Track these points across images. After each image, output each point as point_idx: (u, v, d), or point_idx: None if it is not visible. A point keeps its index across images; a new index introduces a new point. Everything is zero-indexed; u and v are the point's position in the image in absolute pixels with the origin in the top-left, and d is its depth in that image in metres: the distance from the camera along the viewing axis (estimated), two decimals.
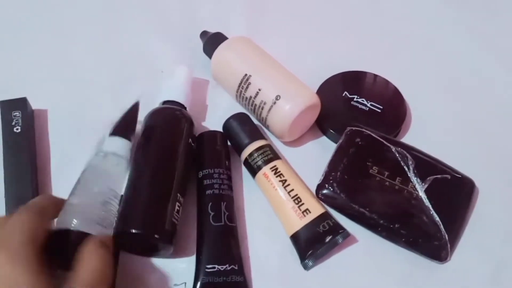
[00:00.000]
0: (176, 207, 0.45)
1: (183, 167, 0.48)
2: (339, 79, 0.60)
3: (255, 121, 0.55)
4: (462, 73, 0.63)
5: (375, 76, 0.60)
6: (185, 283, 0.46)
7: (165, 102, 0.53)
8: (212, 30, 0.61)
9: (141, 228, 0.43)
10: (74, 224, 0.40)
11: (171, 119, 0.51)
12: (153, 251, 0.46)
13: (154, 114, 0.51)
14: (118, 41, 0.63)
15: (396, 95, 0.59)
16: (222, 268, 0.45)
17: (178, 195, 0.46)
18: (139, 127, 0.49)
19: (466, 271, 0.47)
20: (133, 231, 0.42)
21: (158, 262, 0.47)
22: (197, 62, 0.61)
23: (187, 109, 0.54)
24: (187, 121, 0.51)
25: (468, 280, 0.47)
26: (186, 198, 0.48)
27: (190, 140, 0.50)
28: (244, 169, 0.53)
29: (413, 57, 0.65)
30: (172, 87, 0.55)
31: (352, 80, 0.60)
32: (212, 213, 0.46)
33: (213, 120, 0.57)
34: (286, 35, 0.66)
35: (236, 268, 0.45)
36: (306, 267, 0.47)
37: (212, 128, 0.55)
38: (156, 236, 0.43)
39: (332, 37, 0.66)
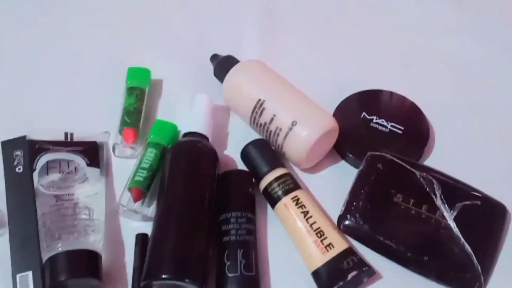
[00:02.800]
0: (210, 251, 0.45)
1: (212, 205, 0.47)
2: (356, 99, 0.57)
3: None
4: (486, 86, 0.60)
5: (393, 94, 0.58)
6: None
7: (187, 134, 0.51)
8: (223, 53, 0.59)
9: (174, 273, 0.42)
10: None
11: (197, 152, 0.49)
12: None
13: (179, 148, 0.50)
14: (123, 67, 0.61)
15: (417, 114, 0.56)
16: None
17: (209, 238, 0.45)
18: None
19: None
20: (166, 276, 0.42)
21: None
22: (208, 87, 0.58)
23: (209, 139, 0.52)
24: (212, 153, 0.50)
25: None
26: None
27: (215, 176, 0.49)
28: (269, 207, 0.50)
29: (431, 72, 0.62)
30: (193, 117, 0.52)
31: (370, 100, 0.57)
32: (228, 263, 0.44)
33: (233, 148, 0.54)
34: (299, 56, 0.63)
35: None
36: None
37: (233, 157, 0.53)
38: (194, 283, 0.42)
39: (346, 56, 0.64)
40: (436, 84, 0.60)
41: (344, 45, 0.65)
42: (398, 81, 0.59)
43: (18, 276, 0.43)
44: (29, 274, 0.43)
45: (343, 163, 0.54)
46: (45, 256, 0.43)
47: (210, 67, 0.59)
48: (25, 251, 0.45)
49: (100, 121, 0.56)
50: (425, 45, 0.64)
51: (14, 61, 0.61)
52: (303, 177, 0.53)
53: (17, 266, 0.44)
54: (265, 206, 0.51)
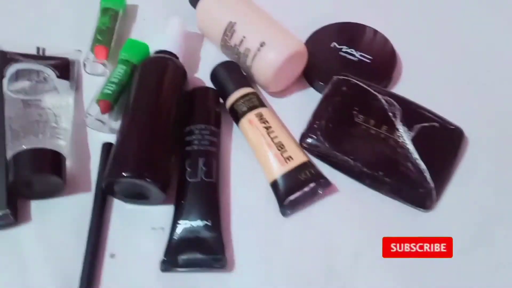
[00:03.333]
0: (173, 158, 0.46)
1: (177, 117, 0.48)
2: (328, 30, 0.58)
3: None
4: (455, 20, 0.61)
5: (365, 26, 0.58)
6: (163, 228, 0.45)
7: (158, 52, 0.52)
8: None
9: (136, 172, 0.43)
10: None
11: (165, 68, 0.50)
12: (144, 198, 0.45)
13: (148, 64, 0.51)
14: None
15: (386, 46, 0.57)
16: (194, 224, 0.44)
17: (173, 146, 0.46)
18: None
19: (452, 220, 0.46)
20: (129, 174, 0.43)
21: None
22: (183, 14, 0.59)
23: (180, 59, 0.52)
24: (180, 70, 0.51)
25: (453, 230, 0.45)
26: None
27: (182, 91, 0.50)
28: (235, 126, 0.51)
29: (403, 5, 0.62)
30: (165, 37, 0.53)
31: (341, 32, 0.58)
32: (189, 169, 0.45)
33: (204, 72, 0.55)
34: None
35: (209, 224, 0.44)
36: (284, 214, 0.46)
37: (204, 80, 0.54)
38: (155, 182, 0.43)
39: None
40: (405, 17, 0.61)
41: None
42: (370, 15, 0.59)
43: None
44: None
45: (311, 90, 0.55)
46: (9, 154, 0.44)
47: None
48: None
49: (72, 41, 0.56)
50: None
51: None
52: (270, 101, 0.54)
53: None
54: (231, 125, 0.52)
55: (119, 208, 0.46)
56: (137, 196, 0.45)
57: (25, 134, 0.45)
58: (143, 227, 0.45)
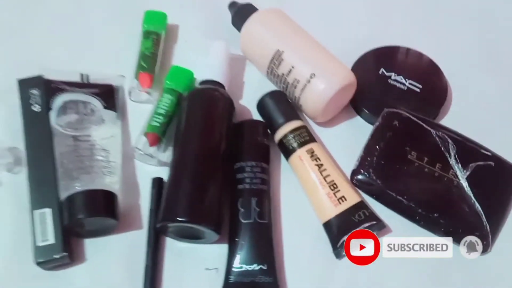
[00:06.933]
0: (224, 197, 0.45)
1: (227, 152, 0.47)
2: (375, 55, 0.56)
3: None
4: (508, 47, 0.59)
5: (413, 51, 0.57)
6: (217, 269, 0.45)
7: (204, 82, 0.51)
8: (242, 0, 0.57)
9: (190, 217, 0.43)
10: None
11: (213, 101, 0.49)
12: (197, 238, 0.45)
13: (196, 96, 0.50)
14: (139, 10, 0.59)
15: (436, 73, 0.55)
16: (250, 268, 0.43)
17: (223, 184, 0.46)
18: None
19: (507, 263, 0.46)
20: (183, 219, 0.43)
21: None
22: (224, 35, 0.57)
23: (226, 88, 0.51)
24: (228, 102, 0.50)
25: (508, 273, 0.45)
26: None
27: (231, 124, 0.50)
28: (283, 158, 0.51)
29: (451, 30, 0.61)
30: (210, 64, 0.52)
31: (389, 56, 0.56)
32: (242, 210, 0.45)
33: (248, 98, 0.54)
34: (318, 5, 0.62)
35: (264, 268, 0.44)
36: (338, 256, 0.46)
37: (248, 107, 0.53)
38: (210, 226, 0.43)
39: (365, 11, 0.62)
40: (456, 43, 0.60)
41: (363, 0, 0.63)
42: (417, 38, 0.58)
43: (35, 212, 0.44)
44: (47, 211, 0.44)
45: (358, 118, 0.54)
46: (63, 195, 0.44)
47: (227, 14, 0.58)
48: (43, 189, 0.45)
49: (115, 65, 0.55)
50: (447, 2, 0.63)
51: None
52: (317, 130, 0.53)
53: (36, 203, 0.45)
54: (278, 157, 0.51)
55: (171, 246, 0.46)
56: (190, 236, 0.45)
57: (78, 173, 0.45)
58: (196, 267, 0.45)
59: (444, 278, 0.46)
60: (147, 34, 0.55)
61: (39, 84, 0.50)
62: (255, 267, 0.43)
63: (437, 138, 0.49)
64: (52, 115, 0.48)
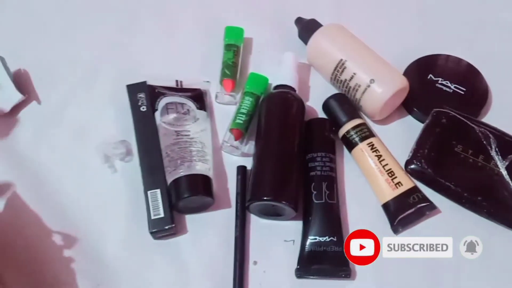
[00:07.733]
0: (299, 181, 0.55)
1: (301, 144, 0.56)
2: (423, 62, 0.65)
3: None
4: None
5: (459, 59, 0.65)
6: (294, 240, 0.54)
7: (278, 86, 0.60)
8: (303, 16, 0.67)
9: (274, 195, 0.52)
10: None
11: (288, 101, 0.59)
12: (276, 215, 0.54)
13: (273, 97, 0.60)
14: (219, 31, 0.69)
15: (478, 78, 0.63)
16: (322, 239, 0.53)
17: (299, 171, 0.56)
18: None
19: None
20: (268, 198, 0.52)
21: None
22: (291, 47, 0.67)
23: (296, 91, 0.61)
24: (300, 102, 0.59)
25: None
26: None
27: (303, 121, 0.59)
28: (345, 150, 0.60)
29: (493, 41, 0.69)
30: (283, 72, 0.62)
31: (437, 63, 0.65)
32: (315, 192, 0.54)
33: (314, 100, 0.64)
34: (371, 19, 0.71)
35: (335, 239, 0.53)
36: (395, 232, 0.55)
37: (315, 107, 0.63)
38: (289, 204, 0.52)
39: (414, 22, 0.71)
40: (497, 51, 0.68)
41: (413, 12, 0.72)
42: (462, 47, 0.66)
43: (149, 192, 0.55)
44: (158, 191, 0.55)
45: (409, 117, 0.63)
46: (169, 179, 0.55)
47: (294, 29, 0.67)
48: (153, 174, 0.56)
49: (200, 73, 0.66)
50: (490, 15, 0.71)
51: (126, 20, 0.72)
52: (375, 127, 0.62)
53: (148, 185, 0.55)
54: (341, 150, 0.60)
55: (255, 223, 0.56)
56: (271, 214, 0.55)
57: (181, 161, 0.55)
58: (276, 239, 0.55)
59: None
60: (228, 47, 0.65)
61: (144, 88, 0.61)
62: (326, 238, 0.53)
63: (479, 134, 0.57)
64: (157, 115, 0.59)
